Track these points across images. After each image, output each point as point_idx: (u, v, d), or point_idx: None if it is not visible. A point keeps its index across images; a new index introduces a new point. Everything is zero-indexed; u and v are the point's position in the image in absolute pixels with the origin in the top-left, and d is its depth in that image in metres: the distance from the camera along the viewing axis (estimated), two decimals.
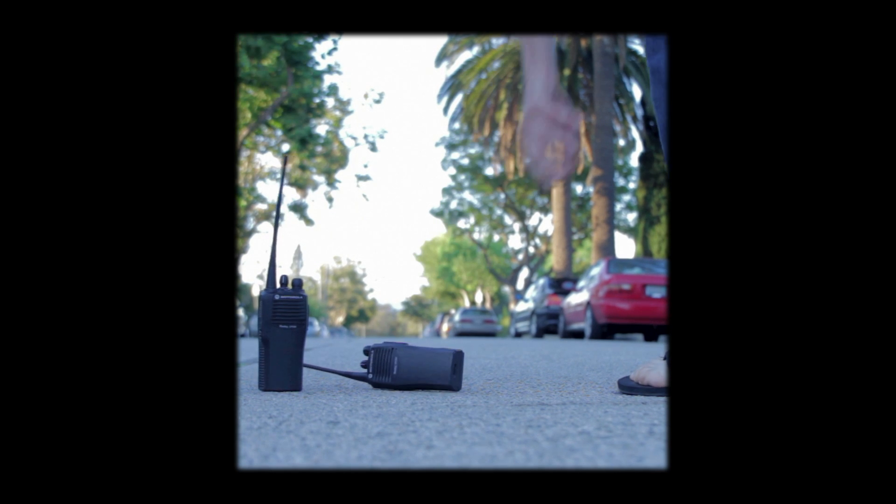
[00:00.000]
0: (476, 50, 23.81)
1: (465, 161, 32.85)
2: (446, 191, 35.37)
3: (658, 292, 10.86)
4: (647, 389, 1.57)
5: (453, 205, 35.81)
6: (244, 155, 25.34)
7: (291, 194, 26.33)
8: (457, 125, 27.23)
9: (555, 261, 20.56)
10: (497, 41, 22.70)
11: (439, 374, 1.48)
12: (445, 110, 25.58)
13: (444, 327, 34.28)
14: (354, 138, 26.74)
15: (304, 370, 1.94)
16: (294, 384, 1.47)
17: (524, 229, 34.61)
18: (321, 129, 22.88)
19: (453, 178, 34.34)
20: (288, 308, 1.45)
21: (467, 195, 35.29)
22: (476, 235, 40.25)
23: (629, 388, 1.51)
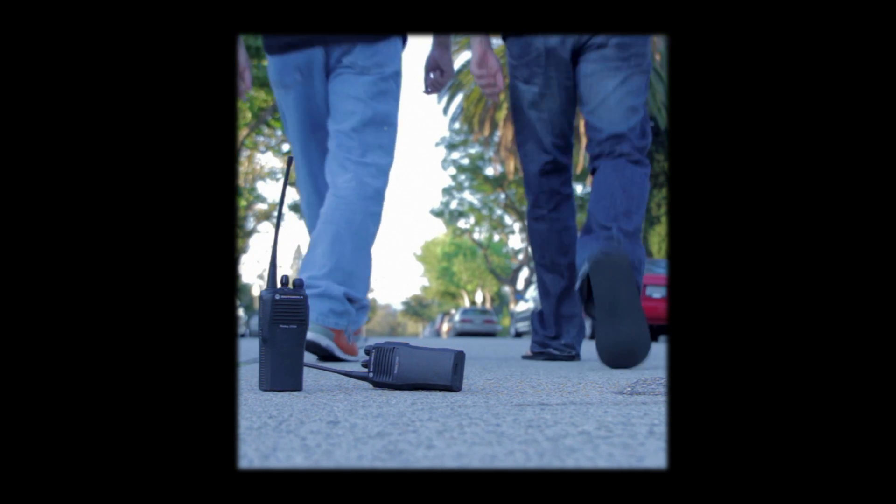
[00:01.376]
0: None
1: (466, 161, 32.88)
2: (446, 191, 35.38)
3: (658, 292, 10.86)
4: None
5: (453, 205, 35.83)
6: (244, 155, 25.35)
7: (291, 194, 26.36)
8: (457, 125, 27.23)
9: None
10: (497, 41, 22.70)
11: (440, 375, 1.48)
12: (445, 110, 25.59)
13: (445, 327, 34.31)
14: None
15: (305, 370, 1.94)
16: (294, 384, 1.47)
17: (525, 229, 34.63)
18: None
19: (453, 178, 34.37)
20: (288, 308, 1.45)
21: (467, 195, 35.31)
22: (476, 235, 40.28)
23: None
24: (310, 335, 2.30)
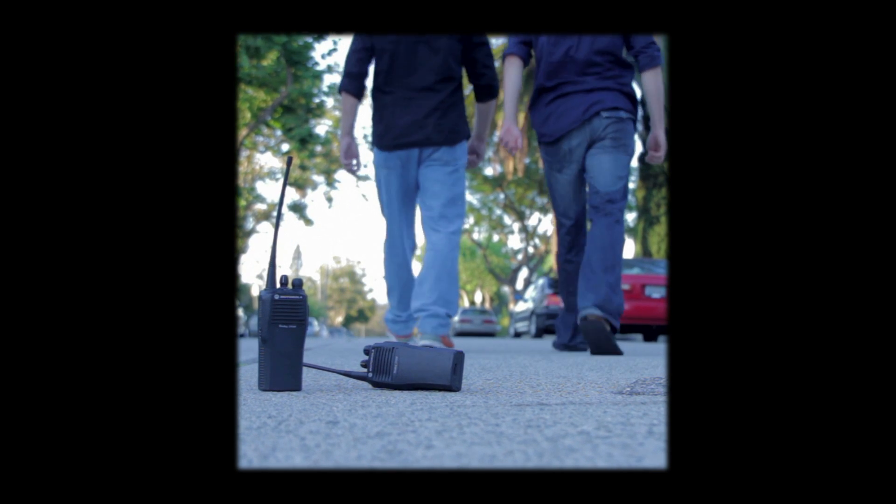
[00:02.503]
0: None
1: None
2: None
3: (657, 292, 10.87)
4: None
5: None
6: (244, 155, 25.36)
7: (291, 194, 26.36)
8: None
9: (554, 261, 20.54)
10: (497, 41, 22.70)
11: (439, 374, 1.48)
12: None
13: None
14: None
15: (304, 370, 1.94)
16: (294, 384, 1.47)
17: (524, 229, 34.62)
18: (321, 129, 22.89)
19: None
20: (287, 308, 1.45)
21: (467, 195, 35.29)
22: (475, 235, 40.29)
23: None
24: (427, 342, 3.55)
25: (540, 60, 3.66)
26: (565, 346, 4.04)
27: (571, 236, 3.89)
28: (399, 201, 3.71)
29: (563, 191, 3.80)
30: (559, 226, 3.96)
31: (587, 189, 3.75)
